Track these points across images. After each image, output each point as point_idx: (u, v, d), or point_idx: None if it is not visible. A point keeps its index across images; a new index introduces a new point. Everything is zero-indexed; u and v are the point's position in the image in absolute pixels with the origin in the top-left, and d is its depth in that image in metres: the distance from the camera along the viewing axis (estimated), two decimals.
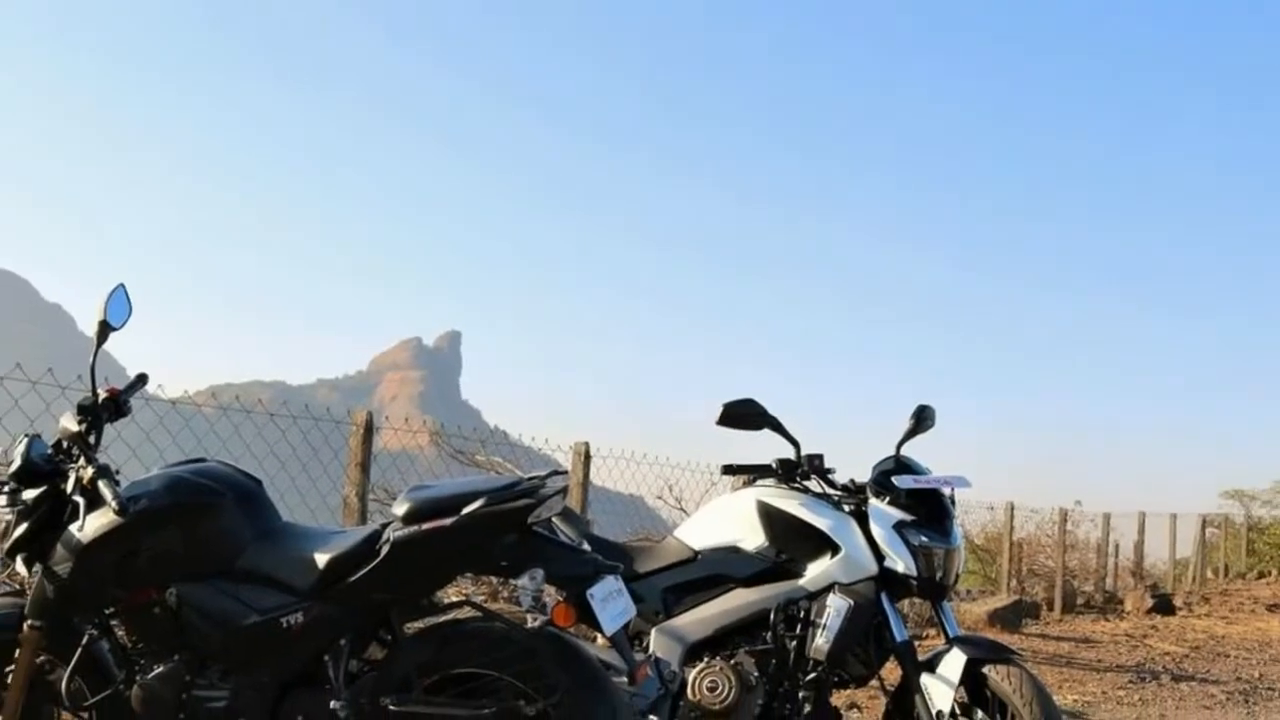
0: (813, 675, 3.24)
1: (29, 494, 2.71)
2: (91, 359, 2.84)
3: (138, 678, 2.67)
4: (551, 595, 2.58)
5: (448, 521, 2.53)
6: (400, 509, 2.60)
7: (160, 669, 2.65)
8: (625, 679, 2.70)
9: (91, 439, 2.75)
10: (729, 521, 3.48)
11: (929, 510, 3.33)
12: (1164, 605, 13.37)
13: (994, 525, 14.62)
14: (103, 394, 2.83)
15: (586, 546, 2.73)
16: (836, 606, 3.21)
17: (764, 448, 3.46)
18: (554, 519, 2.74)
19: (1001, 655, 3.19)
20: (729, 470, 3.59)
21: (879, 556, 3.26)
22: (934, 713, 3.11)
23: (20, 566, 2.76)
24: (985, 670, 3.14)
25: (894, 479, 3.34)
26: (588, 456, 6.67)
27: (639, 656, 2.86)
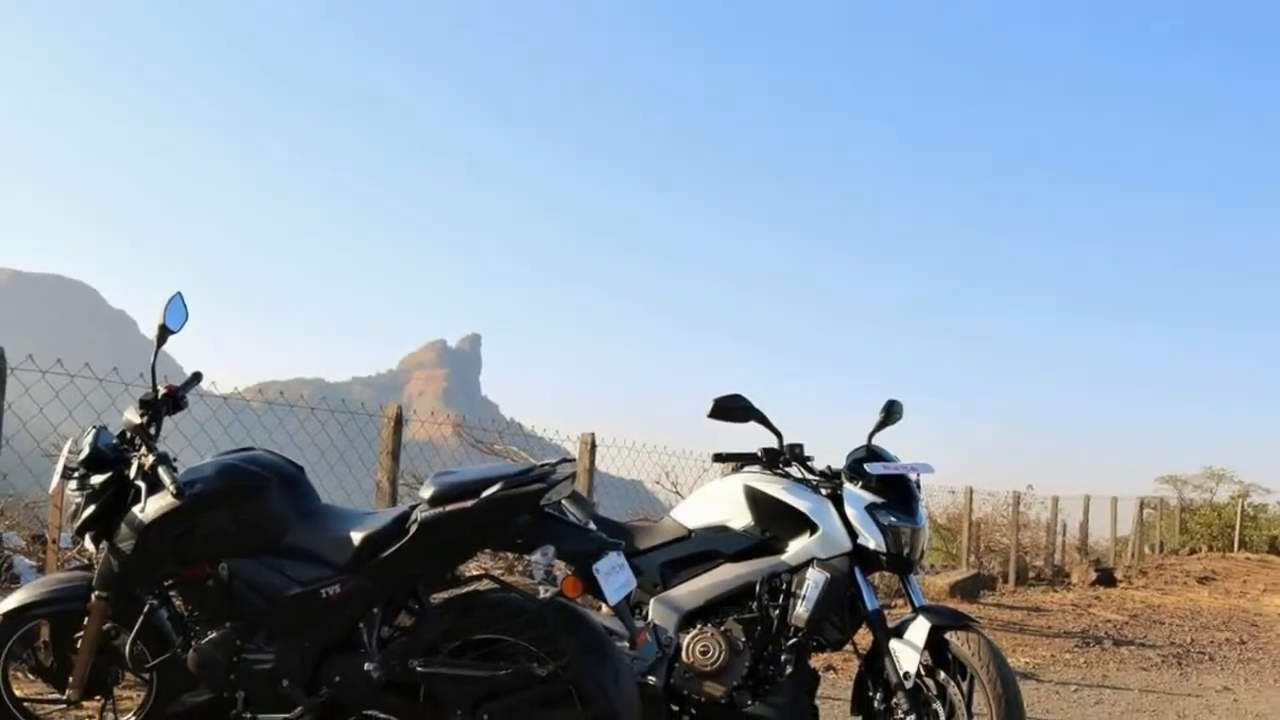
0: (794, 640, 3.24)
1: (96, 479, 2.73)
2: (152, 359, 2.85)
3: (193, 643, 2.68)
4: (561, 569, 2.59)
5: (469, 504, 2.55)
6: (426, 492, 2.62)
7: (214, 635, 2.66)
8: (627, 644, 2.71)
9: (152, 430, 2.77)
10: (719, 503, 3.48)
11: (897, 493, 3.32)
12: (1106, 578, 13.38)
13: (955, 507, 14.64)
14: (162, 390, 2.84)
15: (592, 526, 2.73)
16: (815, 579, 3.22)
17: (751, 438, 3.46)
18: (563, 501, 2.75)
19: (961, 623, 3.19)
20: (719, 458, 3.59)
21: (853, 535, 3.26)
22: (901, 674, 3.12)
23: (89, 543, 2.77)
24: (947, 636, 3.14)
25: (866, 466, 3.34)
26: (593, 446, 6.69)
27: (639, 624, 2.87)
